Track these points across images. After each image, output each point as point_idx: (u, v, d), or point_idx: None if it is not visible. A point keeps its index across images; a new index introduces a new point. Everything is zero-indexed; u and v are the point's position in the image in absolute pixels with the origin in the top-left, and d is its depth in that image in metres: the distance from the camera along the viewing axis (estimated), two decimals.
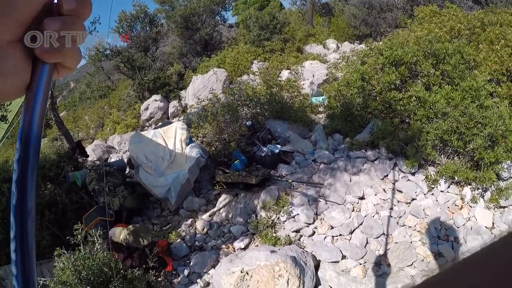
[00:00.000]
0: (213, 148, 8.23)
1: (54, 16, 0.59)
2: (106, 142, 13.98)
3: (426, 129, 6.38)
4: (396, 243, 5.37)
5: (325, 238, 5.72)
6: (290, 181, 6.66)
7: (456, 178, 5.90)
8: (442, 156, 6.30)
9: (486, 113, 5.91)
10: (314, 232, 5.87)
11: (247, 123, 8.13)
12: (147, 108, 14.45)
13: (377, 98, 7.59)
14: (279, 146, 7.65)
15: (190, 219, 6.83)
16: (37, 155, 0.61)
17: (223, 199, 6.99)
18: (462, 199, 5.80)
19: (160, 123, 12.90)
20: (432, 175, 6.07)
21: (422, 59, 7.28)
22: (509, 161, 5.83)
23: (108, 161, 10.99)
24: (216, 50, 18.51)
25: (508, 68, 7.21)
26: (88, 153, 9.81)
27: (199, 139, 8.63)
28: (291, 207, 6.20)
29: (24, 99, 0.61)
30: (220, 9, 23.57)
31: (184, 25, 18.91)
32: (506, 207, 5.56)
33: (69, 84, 39.28)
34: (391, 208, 5.89)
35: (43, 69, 0.60)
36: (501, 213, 5.52)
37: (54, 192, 7.37)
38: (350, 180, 6.51)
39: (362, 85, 7.78)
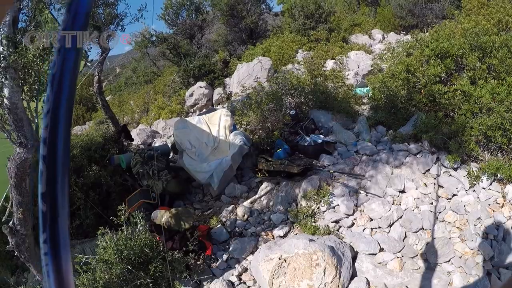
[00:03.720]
0: (256, 136, 8.30)
1: None
2: (150, 127, 14.28)
3: (470, 124, 6.24)
4: (435, 238, 5.30)
5: (363, 230, 5.71)
6: (332, 171, 6.66)
7: (498, 175, 5.75)
8: (486, 152, 6.16)
9: None
10: (353, 224, 5.88)
11: (291, 112, 8.16)
12: (191, 95, 14.65)
13: (422, 91, 7.45)
14: (322, 136, 7.65)
15: (231, 205, 6.95)
16: (67, 150, 0.56)
17: (264, 187, 7.07)
18: (503, 197, 5.64)
19: (204, 110, 13.11)
20: (475, 171, 5.94)
21: (469, 52, 7.08)
22: None
23: (153, 146, 11.21)
24: (261, 39, 18.61)
25: None
26: (133, 137, 10.06)
27: (242, 126, 8.70)
28: (332, 198, 6.22)
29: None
30: None
31: (229, 13, 19.05)
32: None
33: (115, 69, 40.22)
34: (432, 203, 5.82)
35: None
36: None
37: (99, 173, 7.62)
38: (392, 173, 6.46)
39: (407, 77, 7.67)
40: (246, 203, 6.94)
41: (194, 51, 18.12)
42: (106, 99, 10.93)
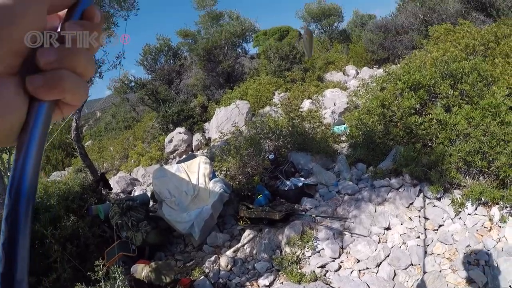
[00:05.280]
0: (237, 182, 8.23)
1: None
2: (130, 174, 14.14)
3: (449, 152, 6.32)
4: (425, 273, 5.22)
5: (351, 272, 5.61)
6: (314, 216, 6.59)
7: (482, 199, 5.78)
8: (467, 177, 6.20)
9: (508, 129, 5.85)
10: (340, 267, 5.76)
11: (269, 157, 8.13)
12: (171, 141, 14.61)
13: (398, 124, 7.56)
14: (302, 179, 7.61)
15: (214, 255, 6.77)
16: (30, 211, 0.50)
17: (247, 234, 6.94)
18: (490, 220, 5.65)
19: (184, 156, 13.01)
20: (458, 199, 5.95)
21: (440, 81, 7.29)
22: None
23: (132, 194, 11.09)
24: (239, 82, 18.84)
25: None
26: (111, 186, 9.89)
27: (222, 172, 8.63)
28: (316, 242, 6.12)
29: (17, 142, 0.52)
30: (241, 41, 24.06)
31: (206, 57, 19.33)
32: None
33: (96, 113, 40.17)
34: (418, 237, 5.77)
35: (41, 107, 0.52)
36: None
37: (76, 224, 7.39)
38: (375, 211, 6.43)
39: (383, 112, 7.77)
40: (229, 252, 6.77)
41: (173, 96, 18.30)
42: (87, 144, 10.87)
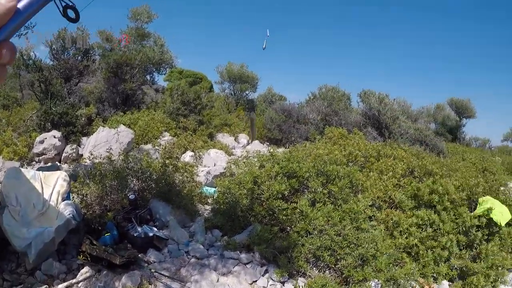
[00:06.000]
0: (90, 212, 7.84)
1: None
2: None
3: (302, 242, 6.74)
4: None
5: None
6: (153, 271, 6.51)
7: None
8: (314, 269, 6.60)
9: (361, 235, 6.58)
10: None
11: (130, 196, 7.90)
12: (42, 142, 13.54)
13: (264, 204, 7.88)
14: (155, 229, 7.50)
15: (45, 286, 6.17)
16: None
17: (84, 271, 6.51)
18: None
19: (49, 163, 12.23)
20: (301, 287, 6.27)
21: (314, 176, 7.87)
22: (377, 280, 6.33)
23: None
24: (134, 108, 18.30)
25: (391, 196, 8.27)
26: None
27: (79, 196, 8.23)
28: None
29: None
30: (154, 69, 23.75)
31: (114, 70, 18.65)
32: None
33: None
34: None
35: None
36: None
37: None
38: (218, 280, 6.47)
39: (252, 188, 8.09)
40: (62, 286, 6.22)
41: (64, 95, 17.11)
42: None
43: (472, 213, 7.97)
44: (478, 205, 8.27)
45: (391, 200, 8.29)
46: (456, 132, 35.55)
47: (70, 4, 1.02)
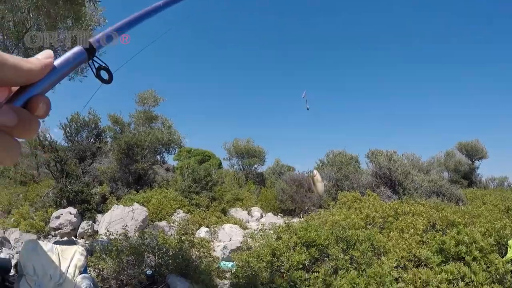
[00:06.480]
0: (107, 286, 7.86)
1: None
2: (4, 233, 13.00)
3: None
4: None
5: None
6: None
7: None
8: None
9: None
10: None
11: (147, 272, 7.89)
12: (58, 217, 13.80)
13: (284, 275, 7.70)
14: None
15: None
16: None
17: None
18: None
19: (65, 238, 12.32)
20: None
21: (334, 243, 7.71)
22: None
23: None
24: (146, 187, 18.69)
25: (416, 254, 7.78)
26: None
27: (96, 271, 8.21)
28: None
29: None
30: (164, 150, 24.28)
31: (125, 151, 19.43)
32: None
33: None
34: None
35: None
36: None
37: None
38: None
39: (271, 260, 7.96)
40: None
41: (79, 174, 17.62)
42: None
43: (503, 258, 7.48)
44: (508, 248, 7.70)
45: (416, 259, 7.83)
46: (471, 176, 34.06)
47: (104, 65, 1.05)
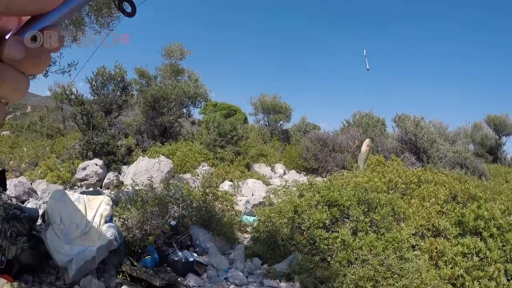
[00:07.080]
0: (131, 235, 7.98)
1: None
2: (31, 184, 13.34)
3: (344, 272, 6.49)
4: None
5: None
6: None
7: None
8: None
9: (405, 265, 6.24)
10: None
11: (171, 222, 8.04)
12: (85, 168, 14.06)
13: (304, 233, 7.77)
14: (195, 255, 7.54)
15: None
16: None
17: None
18: None
19: (91, 189, 12.56)
20: None
21: (355, 205, 7.69)
22: None
23: (25, 204, 10.40)
24: (172, 140, 18.83)
25: (434, 224, 7.78)
26: (7, 186, 9.34)
27: (121, 220, 8.37)
28: None
29: None
30: (190, 103, 24.28)
31: (152, 104, 19.50)
32: None
33: (27, 107, 37.73)
34: None
35: None
36: None
37: None
38: None
39: (293, 217, 8.01)
40: None
41: (105, 126, 17.85)
42: (4, 132, 10.23)
43: None
44: None
45: (434, 228, 7.82)
46: (496, 152, 32.94)
47: None
